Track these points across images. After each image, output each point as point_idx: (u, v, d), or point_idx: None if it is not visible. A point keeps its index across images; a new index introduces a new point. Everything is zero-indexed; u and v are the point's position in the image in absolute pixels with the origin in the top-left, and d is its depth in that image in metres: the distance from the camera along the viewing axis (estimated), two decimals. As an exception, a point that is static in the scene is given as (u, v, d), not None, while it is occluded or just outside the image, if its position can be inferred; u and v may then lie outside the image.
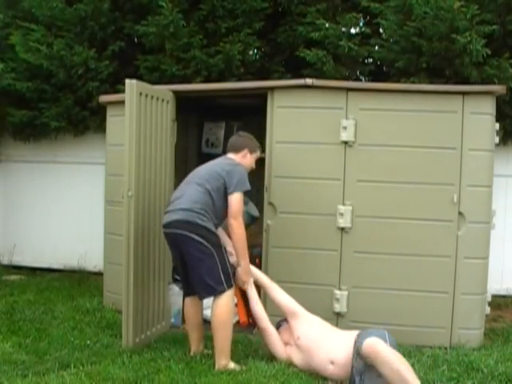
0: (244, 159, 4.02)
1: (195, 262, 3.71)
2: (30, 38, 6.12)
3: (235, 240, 3.78)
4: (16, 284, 5.90)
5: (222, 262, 3.72)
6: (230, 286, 3.72)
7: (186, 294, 4.00)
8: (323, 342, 3.66)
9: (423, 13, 5.15)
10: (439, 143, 4.30)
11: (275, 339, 3.87)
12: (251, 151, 4.06)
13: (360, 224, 4.35)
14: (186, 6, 5.94)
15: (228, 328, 3.71)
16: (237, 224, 3.74)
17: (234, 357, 3.84)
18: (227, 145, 4.16)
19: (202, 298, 3.88)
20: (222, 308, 3.69)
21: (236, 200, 3.76)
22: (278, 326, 3.95)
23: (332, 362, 3.53)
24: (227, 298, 3.71)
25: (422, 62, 5.36)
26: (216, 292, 3.70)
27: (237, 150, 4.04)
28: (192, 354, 3.91)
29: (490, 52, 5.17)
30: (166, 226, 3.80)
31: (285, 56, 6.17)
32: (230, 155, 4.05)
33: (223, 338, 3.69)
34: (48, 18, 6.17)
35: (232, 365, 3.70)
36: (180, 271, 4.01)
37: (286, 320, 3.94)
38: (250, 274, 3.95)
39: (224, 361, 3.68)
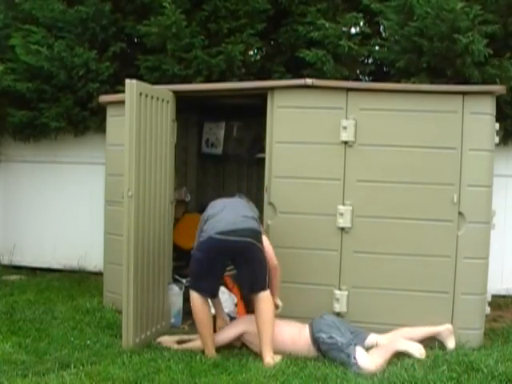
0: None
1: (257, 264, 3.95)
2: (30, 39, 6.11)
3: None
4: (16, 284, 5.89)
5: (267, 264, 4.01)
6: (269, 286, 4.00)
7: (211, 296, 4.10)
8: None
9: (425, 12, 5.13)
10: (439, 143, 4.29)
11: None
12: None
13: (360, 224, 4.35)
14: (188, 6, 5.94)
15: (274, 322, 3.94)
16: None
17: (235, 356, 3.86)
18: None
19: (251, 293, 4.01)
20: (269, 305, 3.93)
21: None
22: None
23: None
24: (270, 295, 3.97)
25: (423, 61, 5.34)
26: (264, 289, 3.93)
27: None
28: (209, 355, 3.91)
29: (491, 52, 5.16)
30: (228, 233, 3.87)
31: (286, 56, 6.16)
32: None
33: (272, 330, 3.88)
34: (49, 20, 6.16)
35: (279, 356, 3.86)
36: (213, 274, 4.01)
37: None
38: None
39: (271, 352, 3.84)
